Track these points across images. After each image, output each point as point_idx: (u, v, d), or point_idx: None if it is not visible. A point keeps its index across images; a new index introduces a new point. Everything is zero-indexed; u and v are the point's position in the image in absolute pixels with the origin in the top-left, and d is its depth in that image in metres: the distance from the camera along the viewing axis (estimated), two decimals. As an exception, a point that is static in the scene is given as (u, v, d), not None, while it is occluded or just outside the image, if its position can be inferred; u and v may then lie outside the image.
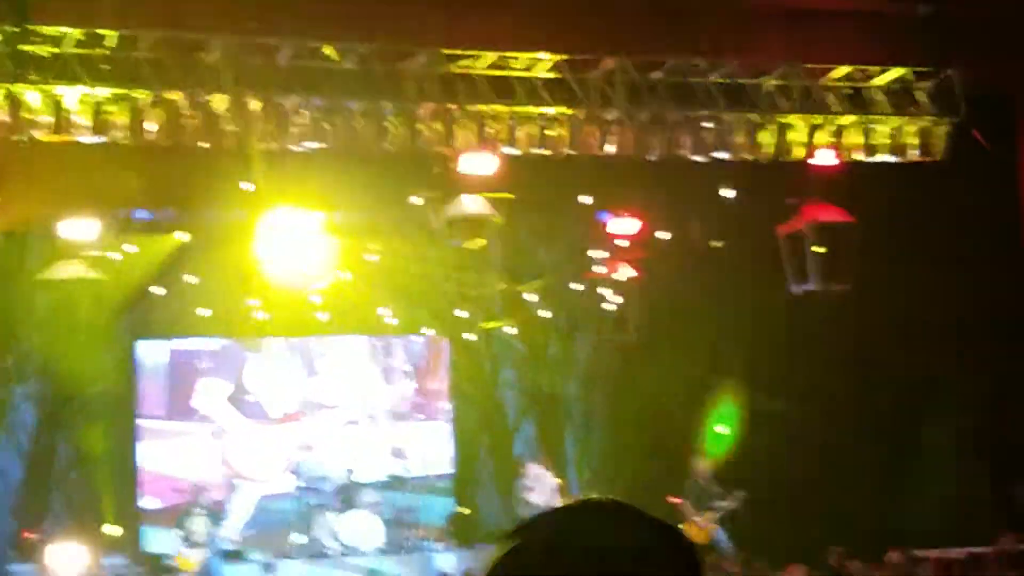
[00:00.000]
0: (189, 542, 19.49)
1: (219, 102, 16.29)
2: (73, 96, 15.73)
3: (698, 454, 21.19)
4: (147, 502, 23.11)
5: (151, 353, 23.56)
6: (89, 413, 23.47)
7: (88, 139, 15.92)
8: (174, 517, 20.65)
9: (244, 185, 19.27)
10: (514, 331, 25.41)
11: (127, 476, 23.40)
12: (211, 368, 23.01)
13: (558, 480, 20.87)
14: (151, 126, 16.04)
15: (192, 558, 19.37)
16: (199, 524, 19.65)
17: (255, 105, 16.52)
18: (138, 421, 23.24)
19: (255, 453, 22.93)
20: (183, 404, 23.07)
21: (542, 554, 1.98)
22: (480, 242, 20.22)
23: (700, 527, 20.76)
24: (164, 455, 23.06)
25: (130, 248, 22.77)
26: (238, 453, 22.92)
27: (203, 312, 23.12)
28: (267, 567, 21.09)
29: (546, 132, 17.87)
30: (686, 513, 20.93)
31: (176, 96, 16.07)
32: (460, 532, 23.63)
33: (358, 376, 23.82)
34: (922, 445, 22.95)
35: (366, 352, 24.03)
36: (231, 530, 22.04)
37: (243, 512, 22.67)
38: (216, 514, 20.19)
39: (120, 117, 15.90)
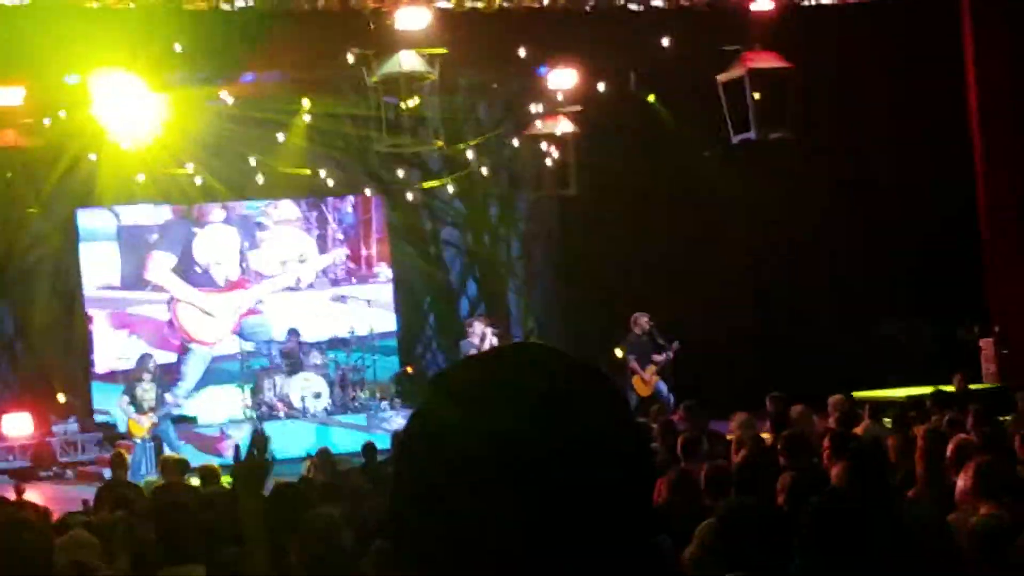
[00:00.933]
0: (139, 408, 19.52)
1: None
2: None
3: (638, 308, 21.20)
4: (98, 369, 23.04)
5: (93, 221, 23.36)
6: (32, 283, 23.30)
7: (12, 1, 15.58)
8: (124, 384, 20.62)
9: (174, 46, 18.97)
10: (452, 189, 25.28)
11: (75, 344, 23.31)
12: (160, 241, 23.16)
13: (500, 337, 20.88)
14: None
15: (142, 423, 19.42)
16: (148, 390, 19.67)
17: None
18: (85, 291, 23.08)
19: (205, 318, 23.21)
20: (135, 275, 23.17)
21: (463, 400, 1.87)
22: (416, 99, 19.99)
23: (644, 380, 20.89)
24: (116, 324, 23.10)
25: (62, 114, 22.44)
26: (189, 319, 23.17)
27: (139, 178, 22.83)
28: (216, 429, 21.22)
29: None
30: (633, 368, 21.02)
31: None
32: (405, 391, 23.68)
33: (294, 245, 23.93)
34: (861, 294, 23.09)
35: (300, 222, 24.05)
36: (184, 390, 22.45)
37: (195, 373, 23.04)
38: (164, 380, 20.16)
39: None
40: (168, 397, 20.01)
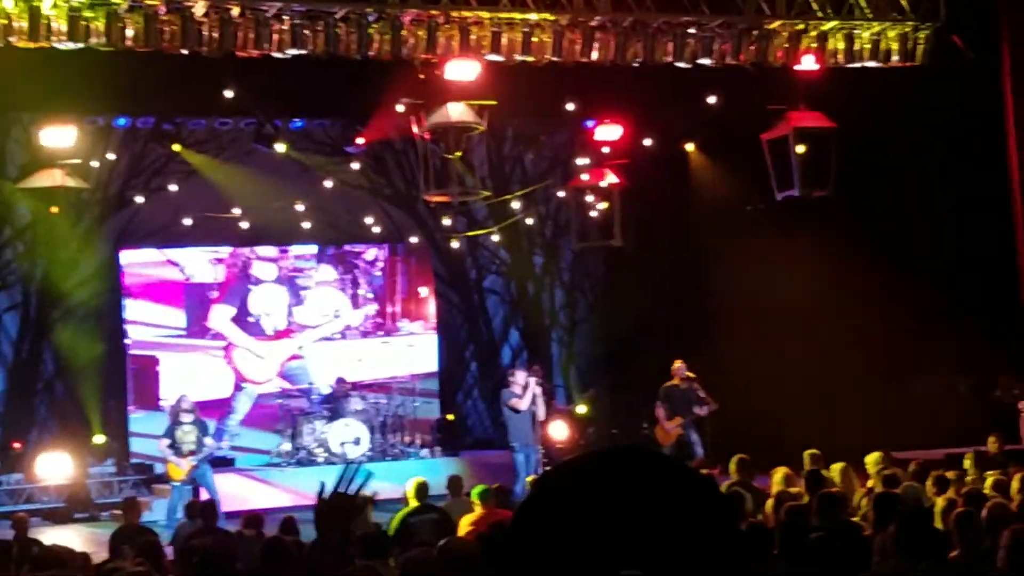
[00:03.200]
0: (178, 451, 19.59)
1: (198, 8, 16.14)
2: (49, 1, 15.59)
3: (678, 359, 21.22)
4: (137, 411, 23.33)
5: (157, 271, 23.89)
6: (74, 323, 23.51)
7: (65, 45, 15.79)
8: (164, 427, 20.77)
9: (226, 92, 19.23)
10: (498, 238, 25.45)
11: (114, 386, 23.48)
12: (221, 295, 24.26)
13: (543, 386, 20.94)
14: (129, 32, 15.93)
15: (182, 466, 19.48)
16: (189, 433, 19.76)
17: (235, 11, 16.39)
18: (147, 335, 23.94)
19: (256, 361, 24.17)
20: (199, 323, 24.21)
21: (569, 505, 2.01)
22: (463, 149, 20.16)
23: (666, 431, 20.83)
24: (178, 365, 23.87)
25: (111, 156, 22.78)
26: (243, 361, 24.15)
27: (187, 221, 23.13)
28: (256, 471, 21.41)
29: (530, 38, 17.78)
30: (659, 417, 20.99)
31: (154, 1, 15.93)
32: (446, 439, 23.80)
33: (331, 302, 24.90)
34: (904, 354, 23.06)
35: (337, 283, 24.93)
36: (235, 421, 23.66)
37: (245, 407, 24.00)
38: (205, 425, 20.33)
39: (97, 23, 15.77)
40: (208, 440, 20.09)
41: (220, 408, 23.47)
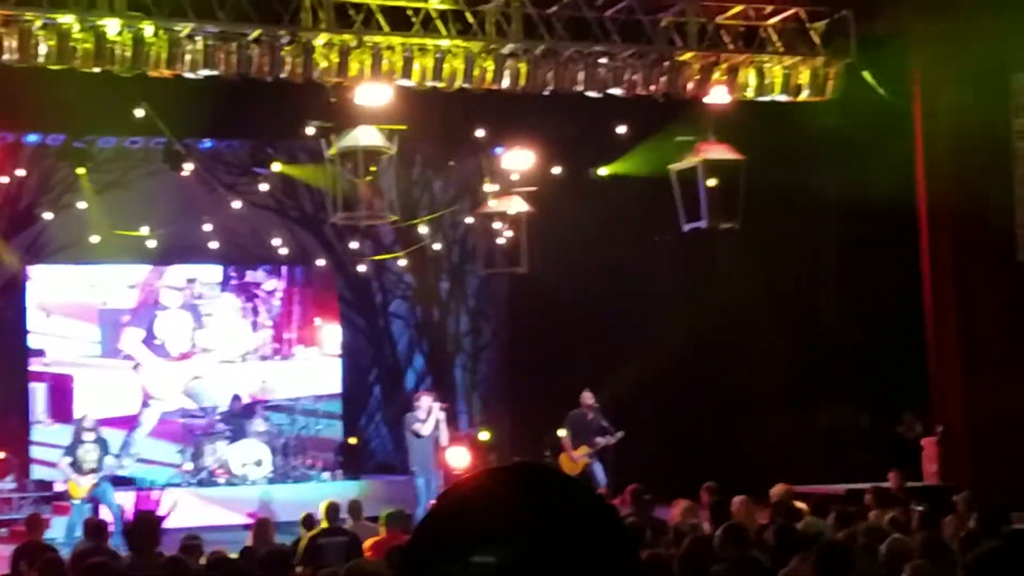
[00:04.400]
0: (79, 469, 19.41)
1: (111, 26, 16.02)
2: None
3: (583, 388, 21.30)
4: (53, 424, 23.37)
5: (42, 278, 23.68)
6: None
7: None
8: (65, 444, 20.57)
9: (136, 111, 19.12)
10: (404, 263, 25.46)
11: (17, 400, 23.23)
12: (132, 319, 24.57)
13: (447, 412, 20.95)
14: (42, 49, 15.78)
15: (82, 484, 19.31)
16: (90, 451, 19.59)
17: (148, 30, 16.30)
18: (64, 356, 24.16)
19: (161, 380, 24.41)
20: (111, 345, 24.50)
21: (462, 521, 2.03)
22: (373, 172, 20.16)
23: (573, 460, 20.90)
24: (88, 384, 24.10)
25: (20, 172, 22.54)
26: (149, 380, 24.39)
27: (93, 239, 22.94)
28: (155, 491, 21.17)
29: (442, 64, 17.82)
30: (564, 445, 21.04)
31: (67, 18, 15.80)
32: (348, 462, 23.74)
33: (232, 328, 25.14)
34: (808, 385, 23.29)
35: (239, 311, 25.12)
36: (142, 434, 23.91)
37: (151, 421, 24.15)
38: (106, 444, 20.14)
39: (10, 39, 15.61)
40: (108, 459, 19.89)
41: (128, 422, 23.79)
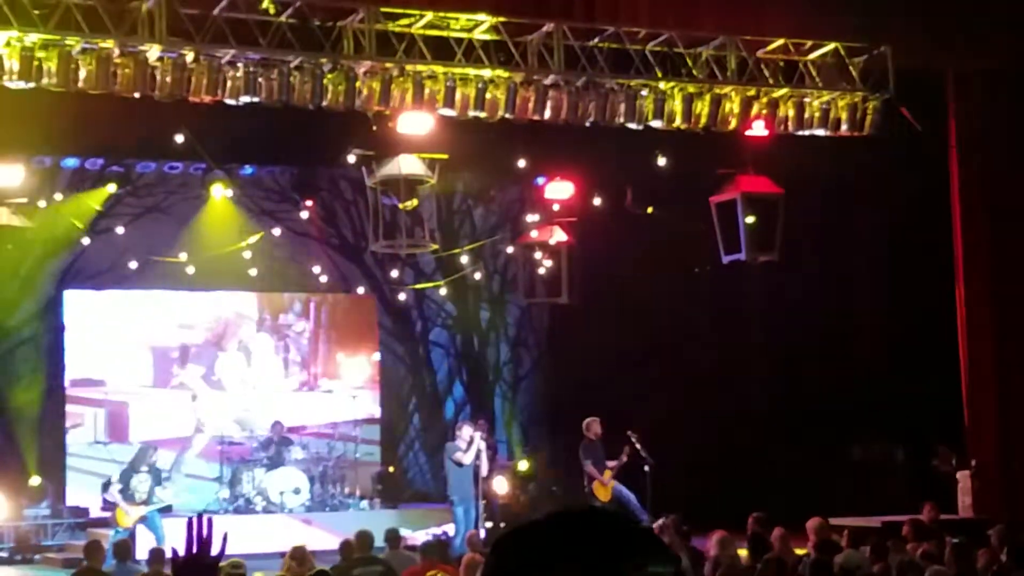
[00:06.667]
0: (129, 498, 19.45)
1: (152, 52, 16.13)
2: (1, 40, 15.53)
3: (622, 417, 21.24)
4: (111, 443, 23.66)
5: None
6: (14, 362, 23.33)
7: (16, 84, 15.71)
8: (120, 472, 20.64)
9: (177, 137, 19.25)
10: (445, 292, 25.53)
11: (52, 427, 23.29)
12: (195, 356, 24.90)
13: (487, 441, 20.94)
14: (81, 73, 15.89)
15: (131, 513, 19.33)
16: (144, 481, 19.62)
17: (189, 56, 16.40)
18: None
19: (215, 411, 24.73)
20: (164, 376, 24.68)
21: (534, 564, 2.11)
22: (414, 202, 20.24)
23: (604, 484, 20.82)
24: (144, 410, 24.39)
25: (59, 196, 22.65)
26: (204, 411, 24.68)
27: (132, 264, 23.07)
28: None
29: (484, 94, 17.87)
30: (591, 474, 20.94)
31: (108, 44, 15.91)
32: (387, 491, 23.73)
33: (269, 366, 25.49)
34: (844, 418, 23.20)
35: (272, 349, 25.40)
36: (191, 455, 24.27)
37: (200, 444, 24.39)
38: (159, 475, 20.21)
39: (50, 63, 15.73)
40: (159, 491, 19.96)
41: (180, 443, 24.18)
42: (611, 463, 20.73)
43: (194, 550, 3.99)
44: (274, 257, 24.26)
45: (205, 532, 4.00)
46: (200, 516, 4.04)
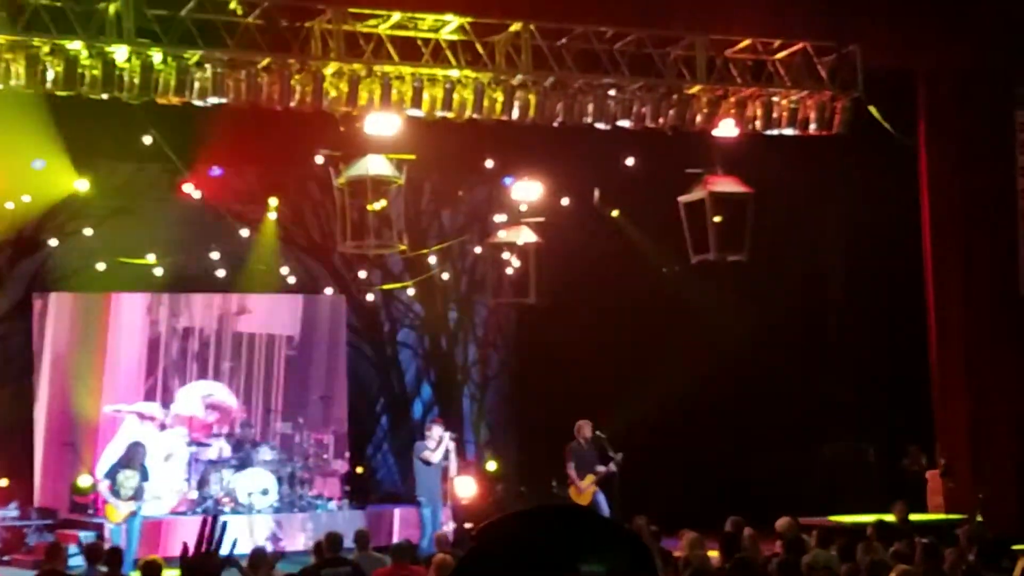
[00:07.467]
0: (118, 494, 19.40)
1: (119, 52, 16.07)
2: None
3: (589, 417, 21.22)
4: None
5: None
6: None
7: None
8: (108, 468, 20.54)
9: (144, 138, 19.18)
10: (412, 292, 25.48)
11: (19, 428, 23.14)
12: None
13: (457, 443, 20.92)
14: (49, 75, 15.82)
15: (120, 509, 19.31)
16: (131, 478, 19.56)
17: (157, 57, 16.34)
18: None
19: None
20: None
21: (504, 561, 2.08)
22: (382, 203, 20.21)
23: (580, 491, 20.75)
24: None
25: (25, 198, 22.50)
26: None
27: (100, 266, 22.95)
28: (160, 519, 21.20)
29: (451, 95, 17.85)
30: (571, 478, 20.91)
31: (76, 45, 15.83)
32: (354, 492, 23.67)
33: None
34: (809, 416, 23.28)
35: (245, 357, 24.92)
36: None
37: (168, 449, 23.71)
38: (147, 473, 20.12)
39: (17, 65, 15.65)
40: (147, 486, 19.93)
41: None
42: (599, 468, 20.59)
43: (203, 549, 4.08)
44: (242, 259, 24.15)
45: (217, 533, 4.09)
46: (215, 517, 4.13)
